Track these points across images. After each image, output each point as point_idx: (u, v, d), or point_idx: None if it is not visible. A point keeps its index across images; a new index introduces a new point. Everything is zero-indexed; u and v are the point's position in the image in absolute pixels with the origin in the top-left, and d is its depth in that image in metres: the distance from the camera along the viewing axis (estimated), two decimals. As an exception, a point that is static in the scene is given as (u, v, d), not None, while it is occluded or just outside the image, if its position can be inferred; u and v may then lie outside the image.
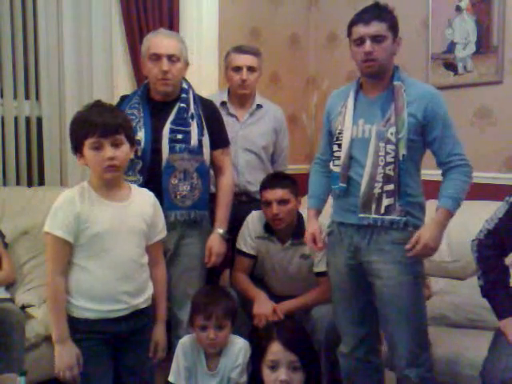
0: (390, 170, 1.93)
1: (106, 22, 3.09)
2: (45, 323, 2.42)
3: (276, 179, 2.48)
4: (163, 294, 2.00)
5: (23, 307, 2.50)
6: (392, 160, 1.93)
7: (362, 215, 1.96)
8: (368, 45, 1.93)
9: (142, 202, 1.89)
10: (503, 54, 2.91)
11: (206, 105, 2.37)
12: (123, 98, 2.38)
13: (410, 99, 1.95)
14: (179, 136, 2.22)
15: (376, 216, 1.95)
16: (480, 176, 3.00)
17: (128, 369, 1.88)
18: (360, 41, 1.97)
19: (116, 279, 1.79)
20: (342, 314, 2.13)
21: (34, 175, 3.07)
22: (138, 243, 1.85)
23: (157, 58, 2.21)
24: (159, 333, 1.97)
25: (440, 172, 2.00)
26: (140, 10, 3.11)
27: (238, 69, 2.73)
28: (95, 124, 1.72)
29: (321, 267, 2.44)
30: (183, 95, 2.29)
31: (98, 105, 1.82)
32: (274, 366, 1.59)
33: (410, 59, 3.32)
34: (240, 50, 2.76)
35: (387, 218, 1.94)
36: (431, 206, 2.00)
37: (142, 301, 1.86)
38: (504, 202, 1.97)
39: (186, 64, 2.33)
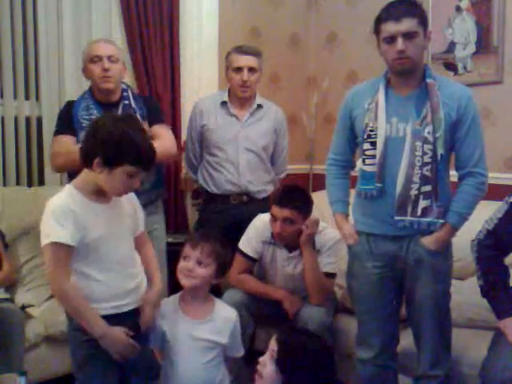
0: (427, 170, 1.88)
1: (106, 22, 3.08)
2: (45, 323, 2.42)
3: (288, 198, 2.37)
4: (156, 267, 1.97)
5: (23, 307, 2.49)
6: (429, 160, 1.88)
7: (397, 218, 1.92)
8: (400, 43, 1.85)
9: (121, 199, 1.86)
10: (503, 54, 2.91)
11: (145, 99, 2.68)
12: (71, 103, 2.54)
13: (444, 98, 1.90)
14: None
15: (412, 218, 1.91)
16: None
17: (130, 365, 1.87)
18: (391, 39, 1.88)
19: (119, 281, 1.79)
20: (368, 323, 2.09)
21: (34, 175, 3.07)
22: (130, 241, 1.87)
23: (98, 59, 2.46)
24: (149, 293, 1.89)
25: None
26: (140, 10, 3.11)
27: (238, 69, 2.74)
28: (146, 155, 1.72)
29: (323, 268, 2.44)
30: (124, 94, 2.56)
31: (143, 129, 1.79)
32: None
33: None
34: (241, 50, 2.76)
35: (424, 220, 1.91)
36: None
37: (141, 297, 1.87)
38: (504, 202, 1.97)
39: (124, 66, 2.61)
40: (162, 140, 2.50)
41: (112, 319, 1.78)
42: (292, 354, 1.62)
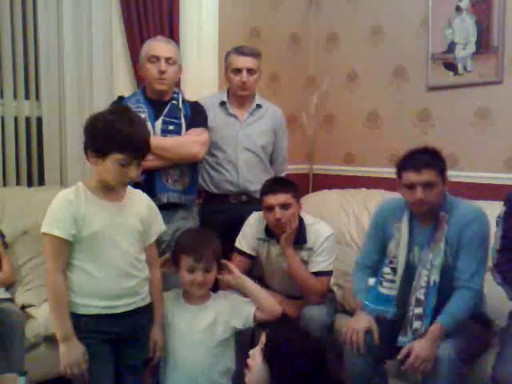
0: (420, 294, 1.98)
1: (106, 22, 3.09)
2: (45, 323, 2.42)
3: (278, 184, 2.46)
4: (159, 296, 2.01)
5: (23, 307, 2.49)
6: (424, 285, 1.98)
7: (401, 338, 1.97)
8: (420, 192, 1.97)
9: (137, 202, 1.90)
10: (503, 54, 2.91)
11: (192, 104, 2.63)
12: (121, 98, 2.53)
13: (453, 221, 2.01)
14: (171, 127, 2.47)
15: (406, 339, 1.96)
16: (480, 176, 3.02)
17: (129, 367, 1.89)
18: (411, 186, 2.01)
19: (115, 279, 1.80)
20: None
21: (34, 175, 3.07)
22: (134, 242, 1.86)
23: (156, 59, 2.45)
24: (157, 333, 1.98)
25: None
26: (140, 10, 3.11)
27: (237, 71, 2.74)
28: (134, 142, 1.72)
29: (315, 267, 2.44)
30: (174, 95, 2.56)
31: (134, 118, 1.80)
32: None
33: (410, 59, 3.33)
34: (240, 51, 2.76)
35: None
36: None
37: (140, 298, 1.88)
38: (496, 224, 2.03)
39: (180, 68, 2.59)
40: (186, 137, 2.49)
41: (106, 319, 1.79)
42: (277, 346, 1.61)
